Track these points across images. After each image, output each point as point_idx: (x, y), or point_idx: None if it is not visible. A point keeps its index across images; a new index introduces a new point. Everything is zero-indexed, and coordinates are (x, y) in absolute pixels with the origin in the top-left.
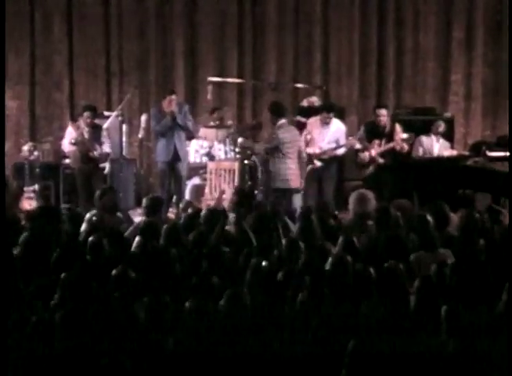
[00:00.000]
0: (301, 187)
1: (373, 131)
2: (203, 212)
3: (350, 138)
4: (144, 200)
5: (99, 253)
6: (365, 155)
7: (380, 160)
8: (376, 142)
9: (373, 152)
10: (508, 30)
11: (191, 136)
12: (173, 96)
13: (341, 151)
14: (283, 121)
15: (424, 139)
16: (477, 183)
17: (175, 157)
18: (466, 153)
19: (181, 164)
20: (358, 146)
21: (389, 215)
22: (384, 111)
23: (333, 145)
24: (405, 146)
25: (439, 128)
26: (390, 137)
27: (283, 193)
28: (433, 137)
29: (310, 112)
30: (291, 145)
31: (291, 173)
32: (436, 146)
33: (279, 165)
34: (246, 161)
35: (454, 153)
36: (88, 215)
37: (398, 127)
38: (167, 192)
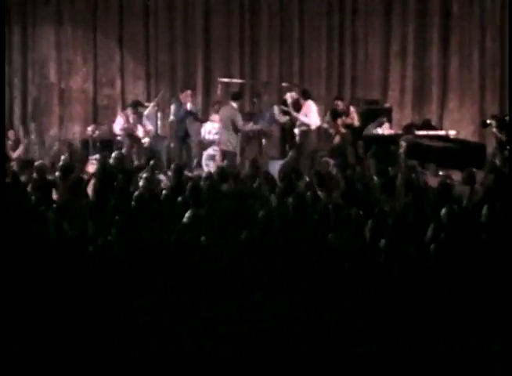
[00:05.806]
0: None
1: (335, 114)
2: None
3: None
4: (172, 166)
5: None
6: (333, 130)
7: (343, 131)
8: (339, 120)
9: (337, 126)
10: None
11: (205, 120)
12: (188, 91)
13: (308, 121)
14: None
15: (371, 127)
16: (407, 152)
17: (186, 135)
18: (401, 131)
19: (190, 139)
20: (325, 125)
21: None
22: (340, 102)
23: (304, 119)
24: (356, 118)
25: (382, 121)
26: (346, 116)
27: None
28: (378, 128)
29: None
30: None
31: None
32: (379, 130)
33: None
34: None
35: (392, 131)
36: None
37: (352, 108)
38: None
